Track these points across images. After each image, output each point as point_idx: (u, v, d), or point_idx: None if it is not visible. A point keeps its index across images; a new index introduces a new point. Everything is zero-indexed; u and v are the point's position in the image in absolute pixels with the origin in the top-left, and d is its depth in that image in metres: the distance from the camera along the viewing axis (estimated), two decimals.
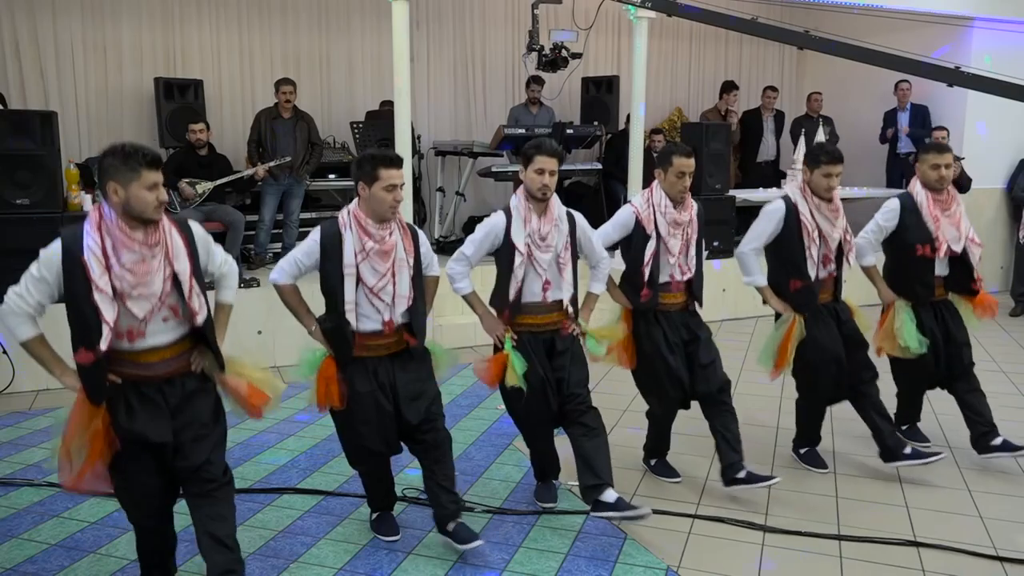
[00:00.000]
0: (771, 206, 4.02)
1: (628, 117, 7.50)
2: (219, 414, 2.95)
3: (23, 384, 5.30)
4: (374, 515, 3.60)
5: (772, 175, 8.90)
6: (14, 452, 4.36)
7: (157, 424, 2.76)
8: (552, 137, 7.42)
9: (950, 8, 7.85)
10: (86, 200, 5.86)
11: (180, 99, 7.16)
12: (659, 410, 4.04)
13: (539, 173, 3.45)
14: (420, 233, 3.42)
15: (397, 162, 3.18)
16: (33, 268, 2.65)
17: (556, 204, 3.56)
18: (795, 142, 8.28)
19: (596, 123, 8.02)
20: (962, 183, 7.96)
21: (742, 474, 3.77)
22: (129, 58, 7.39)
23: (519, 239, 3.47)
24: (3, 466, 4.18)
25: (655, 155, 8.36)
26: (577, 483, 3.56)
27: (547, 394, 3.53)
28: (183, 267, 2.75)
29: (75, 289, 2.61)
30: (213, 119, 7.29)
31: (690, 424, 4.82)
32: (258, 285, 5.98)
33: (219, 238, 6.42)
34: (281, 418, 4.86)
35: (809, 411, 4.28)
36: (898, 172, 8.58)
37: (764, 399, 5.21)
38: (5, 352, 5.23)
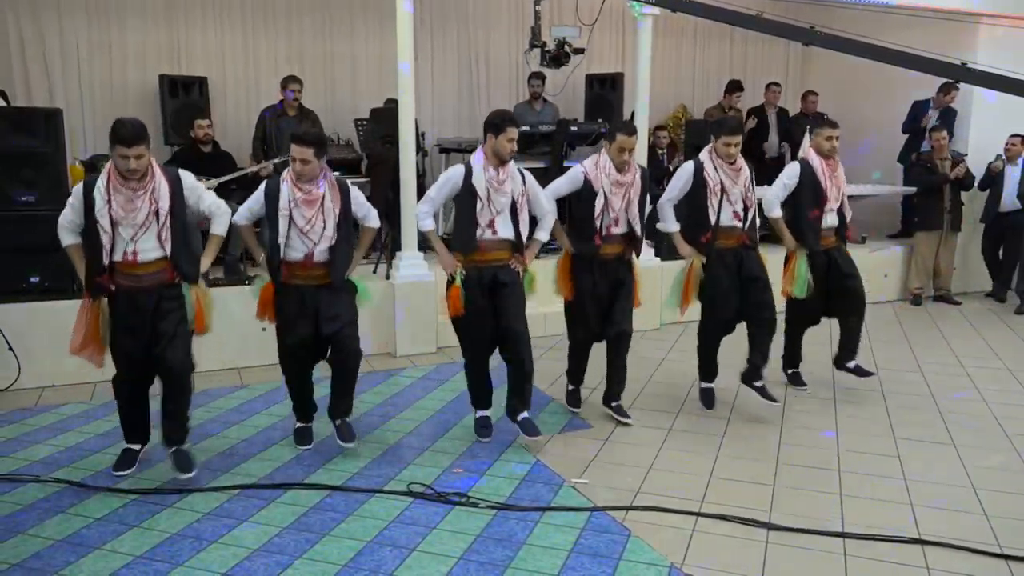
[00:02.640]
0: (683, 167, 4.87)
1: (632, 114, 7.48)
2: (183, 322, 3.93)
3: (28, 381, 5.31)
4: (297, 425, 4.50)
5: (776, 172, 8.86)
6: (19, 448, 4.37)
7: (138, 333, 3.84)
8: (557, 134, 7.44)
9: (957, 4, 7.82)
10: None
11: (185, 96, 7.16)
12: (575, 339, 4.85)
13: (510, 141, 4.19)
14: (353, 190, 4.22)
15: (299, 139, 4.01)
16: (70, 197, 3.83)
17: (510, 162, 4.33)
18: (799, 140, 8.24)
19: (600, 120, 8.00)
20: (966, 181, 7.94)
21: (614, 403, 4.80)
22: (134, 55, 7.41)
23: (480, 184, 4.21)
24: (9, 462, 4.19)
25: (659, 152, 8.45)
26: (582, 481, 3.77)
27: (485, 320, 4.33)
28: (164, 206, 3.78)
29: (87, 212, 3.75)
30: (217, 116, 7.30)
31: (695, 422, 4.84)
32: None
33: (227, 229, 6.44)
34: (286, 414, 4.86)
35: (706, 346, 5.03)
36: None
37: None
38: (11, 348, 5.24)
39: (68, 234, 3.86)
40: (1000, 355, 6.33)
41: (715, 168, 4.71)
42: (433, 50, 8.54)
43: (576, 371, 4.98)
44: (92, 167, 6.30)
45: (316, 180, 4.07)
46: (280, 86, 7.04)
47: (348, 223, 4.19)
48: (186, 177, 3.91)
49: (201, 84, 7.30)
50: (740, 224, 4.77)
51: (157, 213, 3.77)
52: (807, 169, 5.05)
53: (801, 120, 8.80)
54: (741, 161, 4.78)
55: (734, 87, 8.90)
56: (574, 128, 7.57)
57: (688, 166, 4.81)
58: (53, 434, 4.58)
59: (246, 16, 7.78)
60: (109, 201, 3.69)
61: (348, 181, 4.28)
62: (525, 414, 4.41)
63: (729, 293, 4.78)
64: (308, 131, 4.10)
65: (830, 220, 5.09)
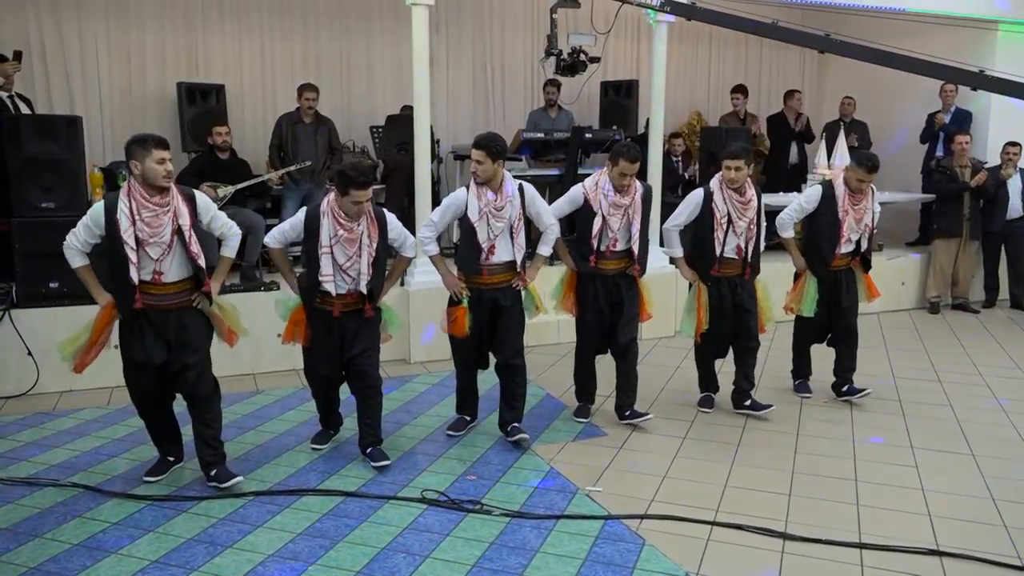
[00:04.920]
0: (692, 194, 4.87)
1: (647, 121, 7.48)
2: (207, 340, 3.97)
3: (47, 385, 5.37)
4: (320, 428, 4.57)
5: (796, 179, 8.82)
6: (38, 453, 4.41)
7: (157, 349, 3.81)
8: (571, 141, 7.44)
9: (974, 11, 7.76)
10: None
11: (202, 104, 7.22)
12: (579, 352, 4.92)
13: (475, 162, 4.24)
14: (389, 220, 4.20)
15: (364, 185, 3.94)
16: (85, 219, 3.77)
17: (508, 183, 4.33)
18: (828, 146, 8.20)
19: (615, 127, 7.99)
20: (987, 188, 7.86)
21: (628, 412, 4.78)
22: (152, 63, 7.48)
23: (473, 211, 4.27)
24: (27, 466, 4.23)
25: (674, 159, 8.43)
26: (596, 489, 3.77)
27: (480, 342, 4.53)
28: (185, 222, 3.76)
29: (112, 235, 3.70)
30: (234, 123, 7.34)
31: (710, 430, 4.81)
32: (278, 288, 6.01)
33: (240, 242, 6.47)
34: (301, 420, 4.89)
35: (702, 364, 5.16)
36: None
37: (778, 403, 5.18)
38: (30, 354, 5.30)
39: (79, 255, 3.80)
40: (1020, 364, 6.25)
41: (724, 199, 4.71)
42: (449, 58, 8.57)
43: (583, 389, 4.98)
44: (111, 174, 6.37)
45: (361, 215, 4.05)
46: (296, 93, 7.08)
47: (384, 255, 4.19)
48: (200, 196, 3.91)
49: (218, 91, 7.36)
50: (739, 258, 4.80)
51: (179, 231, 3.75)
52: (828, 195, 5.00)
53: (833, 125, 8.76)
54: (752, 193, 4.76)
55: (736, 90, 8.86)
56: (589, 135, 7.56)
57: (697, 193, 4.81)
58: (71, 438, 4.62)
59: (263, 24, 7.83)
60: (134, 221, 3.66)
61: (384, 210, 4.25)
62: (516, 424, 4.53)
63: (720, 319, 4.85)
64: (365, 169, 4.04)
65: (845, 247, 5.05)
